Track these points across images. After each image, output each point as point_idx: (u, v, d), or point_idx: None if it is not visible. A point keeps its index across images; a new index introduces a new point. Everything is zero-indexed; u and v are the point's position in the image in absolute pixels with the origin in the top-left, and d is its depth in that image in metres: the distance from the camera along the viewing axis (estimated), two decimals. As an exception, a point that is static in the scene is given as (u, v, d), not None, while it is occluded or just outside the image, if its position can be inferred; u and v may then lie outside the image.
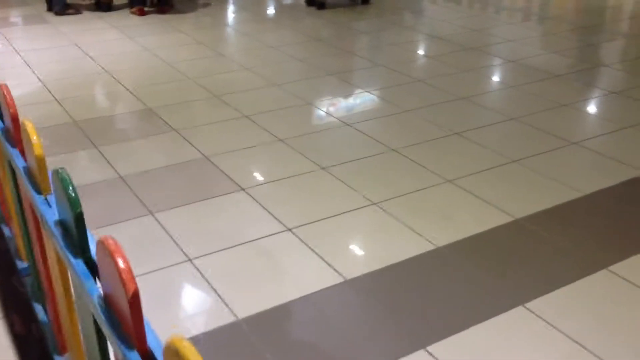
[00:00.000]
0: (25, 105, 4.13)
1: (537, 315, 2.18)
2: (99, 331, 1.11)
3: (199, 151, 3.46)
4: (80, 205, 1.18)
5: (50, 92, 4.39)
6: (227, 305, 2.25)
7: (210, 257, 2.53)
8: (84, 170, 3.26)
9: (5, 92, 1.73)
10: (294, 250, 2.57)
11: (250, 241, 2.64)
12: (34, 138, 1.44)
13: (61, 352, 1.80)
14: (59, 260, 1.44)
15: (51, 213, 1.35)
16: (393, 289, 2.33)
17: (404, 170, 3.23)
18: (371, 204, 2.90)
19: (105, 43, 5.59)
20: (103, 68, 4.90)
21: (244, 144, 3.57)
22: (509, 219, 2.76)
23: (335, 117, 3.92)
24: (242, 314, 2.21)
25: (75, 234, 1.19)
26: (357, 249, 2.61)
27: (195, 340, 2.08)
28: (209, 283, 2.37)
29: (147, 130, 3.77)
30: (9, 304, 2.26)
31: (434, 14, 6.74)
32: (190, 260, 2.51)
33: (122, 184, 3.11)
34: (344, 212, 2.84)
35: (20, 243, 2.29)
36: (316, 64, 4.98)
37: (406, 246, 2.57)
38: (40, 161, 1.42)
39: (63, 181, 1.22)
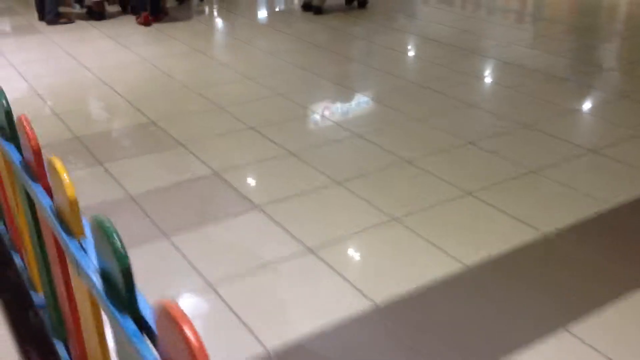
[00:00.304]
0: (24, 121, 4.01)
1: (582, 341, 2.10)
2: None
3: (208, 166, 3.37)
4: (128, 259, 1.09)
5: (48, 105, 4.27)
6: (253, 334, 2.17)
7: (231, 282, 2.44)
8: (91, 189, 3.15)
9: (25, 123, 1.63)
10: (317, 272, 2.49)
11: (270, 263, 2.55)
12: (65, 178, 1.35)
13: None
14: (93, 304, 1.36)
15: (88, 261, 1.26)
16: (425, 314, 2.26)
17: (420, 183, 3.16)
18: (391, 220, 2.82)
19: (101, 53, 5.47)
20: (101, 79, 4.78)
21: (253, 157, 3.49)
22: (537, 234, 2.69)
23: (344, 128, 3.84)
24: (270, 343, 2.12)
25: (122, 289, 1.10)
26: (383, 270, 2.52)
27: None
28: (232, 311, 2.28)
29: (153, 145, 3.67)
30: (26, 338, 2.16)
31: (430, 17, 6.67)
32: (211, 286, 2.42)
33: (133, 204, 3.01)
34: (364, 229, 2.76)
35: (34, 274, 2.19)
36: (319, 72, 4.90)
37: (434, 265, 2.49)
38: (73, 204, 1.33)
39: (106, 231, 1.14)
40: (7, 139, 1.90)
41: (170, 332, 0.90)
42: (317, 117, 4.07)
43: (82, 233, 1.35)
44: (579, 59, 5.15)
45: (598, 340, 2.10)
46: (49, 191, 1.57)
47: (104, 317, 1.26)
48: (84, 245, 1.33)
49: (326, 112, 4.14)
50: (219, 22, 6.84)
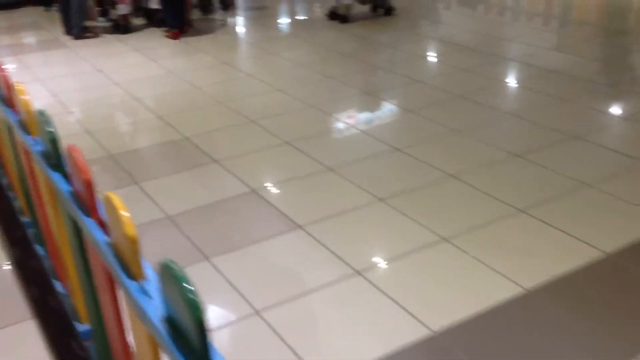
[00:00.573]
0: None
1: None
2: None
3: (245, 184, 3.28)
4: (202, 311, 1.00)
5: (79, 123, 4.22)
6: (306, 365, 2.07)
7: (278, 308, 2.35)
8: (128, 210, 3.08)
9: (76, 155, 1.55)
10: (368, 297, 2.38)
11: (318, 288, 2.45)
12: (125, 215, 1.27)
13: None
14: (154, 350, 1.27)
15: (153, 307, 1.17)
16: (487, 344, 2.14)
17: (468, 200, 3.04)
18: (441, 240, 2.71)
19: (128, 67, 5.43)
20: (130, 94, 4.73)
21: (290, 174, 3.39)
22: (599, 255, 2.56)
23: (383, 141, 3.73)
24: (325, 375, 2.03)
25: (196, 342, 1.01)
26: (439, 295, 2.39)
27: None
28: (282, 339, 2.19)
29: (187, 162, 3.59)
30: (71, 372, 2.08)
31: (456, 22, 6.54)
32: (257, 312, 2.32)
33: (171, 225, 2.93)
34: (414, 251, 2.65)
35: (79, 304, 2.11)
36: (350, 82, 4.80)
37: (492, 290, 2.37)
38: (134, 244, 1.24)
39: (178, 280, 1.05)
40: (53, 167, 1.82)
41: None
42: (352, 129, 3.97)
43: (142, 275, 1.27)
44: (617, 65, 5.00)
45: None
46: (101, 226, 1.49)
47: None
48: (145, 288, 1.24)
49: (360, 124, 4.03)
50: (243, 32, 6.78)
